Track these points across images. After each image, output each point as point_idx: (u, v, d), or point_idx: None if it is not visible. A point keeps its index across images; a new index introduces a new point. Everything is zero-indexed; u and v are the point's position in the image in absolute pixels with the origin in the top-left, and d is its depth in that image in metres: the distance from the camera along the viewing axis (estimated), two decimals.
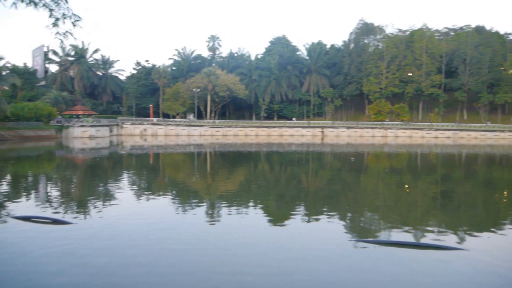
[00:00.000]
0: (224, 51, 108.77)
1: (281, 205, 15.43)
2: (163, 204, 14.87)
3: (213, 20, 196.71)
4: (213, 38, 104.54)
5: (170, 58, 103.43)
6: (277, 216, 13.44)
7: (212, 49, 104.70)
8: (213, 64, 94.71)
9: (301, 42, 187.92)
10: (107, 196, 16.39)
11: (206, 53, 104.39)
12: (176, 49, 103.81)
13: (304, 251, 9.58)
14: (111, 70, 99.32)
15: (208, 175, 24.29)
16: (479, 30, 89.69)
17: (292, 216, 13.16)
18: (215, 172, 26.19)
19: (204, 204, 15.25)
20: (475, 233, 11.24)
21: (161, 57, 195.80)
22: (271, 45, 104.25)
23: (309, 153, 42.39)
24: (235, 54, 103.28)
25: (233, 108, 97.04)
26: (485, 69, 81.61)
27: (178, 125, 74.33)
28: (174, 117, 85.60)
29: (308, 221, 12.55)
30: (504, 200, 17.43)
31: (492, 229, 11.66)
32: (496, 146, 55.47)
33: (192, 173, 25.49)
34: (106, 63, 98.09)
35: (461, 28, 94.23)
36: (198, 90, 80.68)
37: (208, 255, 9.23)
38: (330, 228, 11.68)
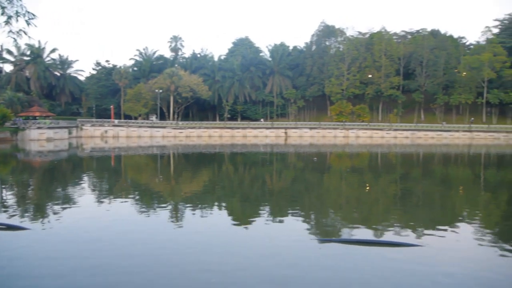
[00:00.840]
0: (187, 52, 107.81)
1: (246, 205, 15.49)
2: (125, 207, 14.59)
3: (175, 21, 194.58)
4: (176, 38, 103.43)
5: (131, 59, 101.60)
6: (242, 216, 13.49)
7: (175, 49, 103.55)
8: (176, 65, 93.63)
9: (264, 43, 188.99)
10: (66, 200, 15.93)
11: (168, 54, 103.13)
12: (138, 49, 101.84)
13: (267, 249, 9.69)
14: (69, 70, 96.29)
15: (171, 177, 24.04)
16: (435, 33, 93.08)
17: (257, 216, 13.25)
18: (179, 174, 25.95)
19: (168, 206, 15.10)
20: (432, 230, 11.69)
21: (122, 57, 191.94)
22: (234, 46, 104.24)
23: (273, 153, 42.70)
24: (198, 55, 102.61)
25: (196, 109, 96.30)
26: (440, 72, 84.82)
27: (140, 126, 73.04)
28: (136, 118, 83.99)
29: (272, 221, 12.67)
30: (459, 197, 18.21)
31: (447, 226, 12.15)
32: (451, 145, 57.78)
33: (155, 175, 25.16)
34: (64, 63, 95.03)
35: (418, 31, 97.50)
36: (161, 91, 79.61)
37: (172, 255, 9.16)
38: (294, 227, 11.83)
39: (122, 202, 15.66)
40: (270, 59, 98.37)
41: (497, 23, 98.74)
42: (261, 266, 8.64)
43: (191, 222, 12.47)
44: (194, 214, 13.53)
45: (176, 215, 13.47)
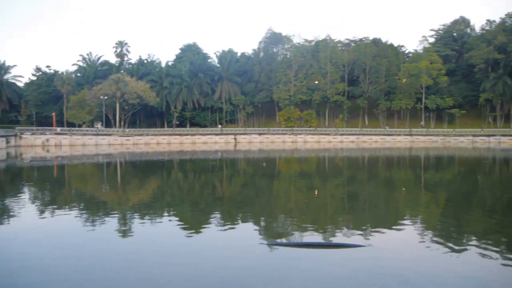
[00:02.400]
0: (133, 58, 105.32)
1: (196, 212, 15.37)
2: (69, 218, 13.96)
3: (120, 26, 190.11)
4: (121, 43, 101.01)
5: (74, 64, 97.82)
6: (192, 223, 13.36)
7: (120, 55, 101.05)
8: (122, 71, 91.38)
9: (212, 49, 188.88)
10: (3, 213, 15.05)
11: (113, 59, 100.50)
12: (81, 55, 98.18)
13: (218, 255, 9.68)
14: (7, 76, 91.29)
15: (118, 186, 23.37)
16: (376, 42, 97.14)
17: (207, 223, 13.18)
18: (126, 182, 25.29)
19: (115, 215, 14.66)
20: (377, 230, 12.15)
21: (64, 63, 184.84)
22: (182, 52, 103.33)
23: (223, 159, 42.65)
24: (145, 61, 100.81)
25: (144, 116, 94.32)
26: (382, 78, 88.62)
27: (84, 134, 70.39)
28: (80, 126, 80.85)
29: (223, 227, 12.66)
30: (402, 198, 19.05)
31: (392, 226, 12.69)
32: (393, 148, 60.33)
33: (101, 184, 24.35)
34: (1, 68, 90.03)
35: (361, 40, 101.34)
36: (106, 97, 77.29)
37: (120, 266, 8.92)
38: (244, 233, 11.88)
39: (65, 213, 14.97)
40: (218, 65, 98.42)
41: (433, 33, 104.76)
42: (212, 272, 8.60)
43: (139, 231, 12.19)
44: (142, 223, 13.24)
45: (124, 225, 13.13)
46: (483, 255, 9.51)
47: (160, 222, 13.48)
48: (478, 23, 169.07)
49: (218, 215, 14.69)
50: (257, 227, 12.73)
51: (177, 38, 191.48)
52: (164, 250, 10.22)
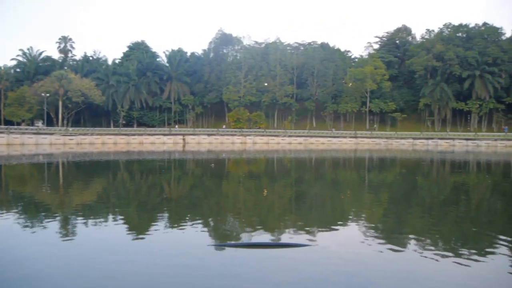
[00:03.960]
0: (78, 54, 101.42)
1: (143, 214, 15.04)
2: (6, 223, 13.20)
3: (64, 21, 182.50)
4: (65, 39, 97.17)
5: (13, 59, 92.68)
6: (138, 226, 13.07)
7: (64, 51, 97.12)
8: (65, 68, 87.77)
9: (161, 48, 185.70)
10: None
11: (57, 55, 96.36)
12: (21, 49, 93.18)
13: (165, 258, 9.54)
14: None
15: (60, 187, 22.41)
16: (324, 46, 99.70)
17: (154, 225, 12.95)
18: (69, 184, 24.29)
19: (57, 218, 14.05)
20: (323, 230, 12.49)
21: (2, 57, 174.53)
22: (130, 50, 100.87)
23: (171, 160, 42.05)
24: (91, 58, 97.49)
25: (88, 115, 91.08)
26: (330, 82, 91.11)
27: (24, 133, 66.65)
28: (19, 124, 76.69)
29: (171, 229, 12.49)
30: (347, 198, 19.66)
31: (337, 225, 13.08)
32: (340, 150, 62.11)
33: (41, 186, 23.22)
34: None
35: (309, 43, 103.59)
36: (48, 95, 73.88)
37: (61, 271, 8.57)
38: (192, 234, 11.78)
39: (1, 218, 14.16)
40: (167, 64, 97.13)
41: (377, 39, 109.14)
42: (159, 275, 8.48)
43: (82, 234, 11.75)
44: (86, 225, 12.79)
45: (66, 228, 12.62)
46: (421, 253, 10.02)
47: (105, 224, 13.09)
48: (419, 31, 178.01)
49: (166, 217, 14.48)
50: (205, 229, 12.67)
51: (125, 36, 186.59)
52: (109, 253, 9.93)
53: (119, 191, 21.41)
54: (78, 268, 8.82)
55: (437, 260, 9.40)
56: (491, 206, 17.72)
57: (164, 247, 10.51)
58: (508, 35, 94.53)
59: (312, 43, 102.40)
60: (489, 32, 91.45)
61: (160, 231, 12.09)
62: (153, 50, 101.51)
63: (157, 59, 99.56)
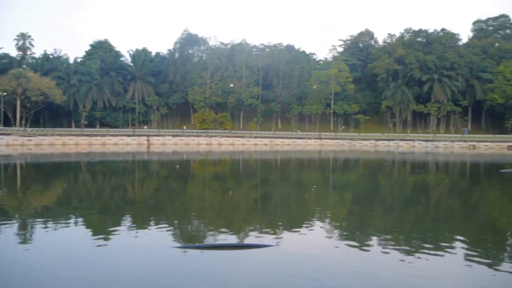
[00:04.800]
0: (37, 52, 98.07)
1: (105, 217, 14.70)
2: None
3: (23, 17, 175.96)
4: (23, 36, 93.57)
5: None
6: (101, 229, 12.77)
7: (22, 48, 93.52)
8: (24, 66, 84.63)
9: (125, 48, 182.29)
10: None
11: (15, 53, 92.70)
12: None
13: (129, 261, 9.38)
14: None
15: (18, 190, 21.58)
16: (289, 48, 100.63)
17: (117, 227, 12.69)
18: (27, 186, 23.43)
19: (14, 222, 13.52)
20: (287, 230, 12.60)
21: None
22: (92, 49, 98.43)
23: (135, 162, 41.32)
24: (51, 56, 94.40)
25: (48, 115, 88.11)
26: (295, 84, 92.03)
27: None
28: None
29: (134, 231, 12.28)
30: (312, 198, 19.92)
31: (301, 225, 13.21)
32: (304, 151, 62.86)
33: None
34: None
35: (275, 45, 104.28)
36: (5, 94, 70.95)
37: (19, 277, 8.26)
38: (156, 237, 11.62)
39: None
40: (131, 64, 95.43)
41: (341, 42, 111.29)
42: (122, 278, 8.32)
43: (42, 238, 11.36)
44: (46, 229, 12.36)
45: (24, 232, 12.17)
46: (384, 252, 10.28)
47: (66, 228, 12.71)
48: (381, 36, 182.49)
49: (129, 219, 14.20)
50: (170, 231, 12.52)
51: (87, 34, 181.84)
52: (70, 257, 9.64)
53: (80, 193, 20.84)
54: (37, 273, 8.52)
55: (401, 259, 9.67)
56: (449, 204, 18.40)
57: (127, 249, 10.33)
58: (464, 40, 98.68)
59: (277, 45, 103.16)
60: (447, 38, 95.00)
61: (123, 234, 11.86)
62: (117, 49, 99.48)
63: (121, 59, 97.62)
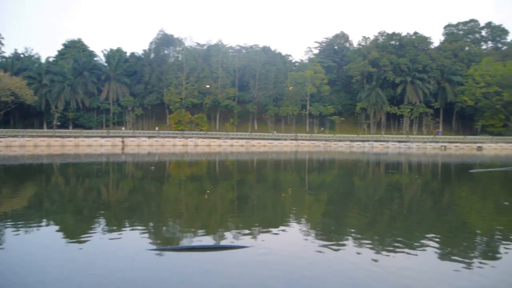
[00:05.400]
0: (7, 51, 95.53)
1: (79, 220, 14.42)
2: None
3: None
4: None
5: None
6: (74, 232, 12.52)
7: None
8: None
9: (99, 47, 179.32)
10: None
11: None
12: None
13: (103, 265, 9.25)
14: None
15: None
16: (266, 50, 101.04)
17: (91, 230, 12.48)
18: None
19: None
20: (264, 231, 12.63)
21: None
22: (65, 48, 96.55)
23: (109, 163, 40.67)
24: (22, 55, 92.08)
25: (19, 116, 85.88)
26: (271, 85, 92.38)
27: None
28: None
29: (109, 234, 12.10)
30: (289, 199, 20.03)
31: (278, 226, 13.27)
32: (280, 152, 63.14)
33: None
34: None
35: (251, 47, 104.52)
36: None
37: None
38: (131, 240, 11.49)
39: None
40: (106, 64, 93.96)
41: (317, 44, 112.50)
42: (97, 283, 8.19)
43: (12, 242, 11.07)
44: (16, 233, 12.05)
45: None
46: (358, 253, 10.43)
47: (37, 231, 12.40)
48: (356, 38, 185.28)
49: (103, 222, 13.98)
50: (145, 233, 12.39)
51: (60, 33, 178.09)
52: (42, 261, 9.43)
53: (52, 196, 20.38)
54: (5, 279, 8.30)
55: (374, 259, 9.83)
56: (421, 204, 18.80)
57: (100, 253, 10.18)
58: (436, 44, 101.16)
59: (254, 46, 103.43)
60: (419, 41, 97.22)
61: (97, 237, 11.67)
62: (91, 49, 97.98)
63: (95, 59, 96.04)
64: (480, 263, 9.62)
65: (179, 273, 8.76)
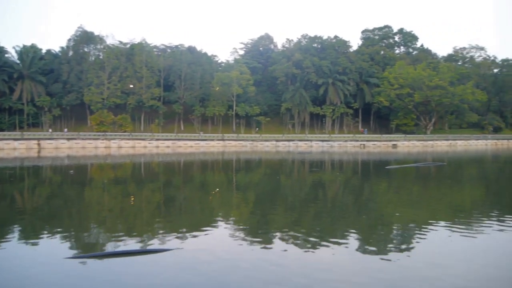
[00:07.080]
0: None
1: None
2: None
3: None
4: None
5: None
6: None
7: None
8: None
9: (10, 44, 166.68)
10: None
11: None
12: None
13: (17, 275, 8.62)
14: None
15: None
16: (191, 50, 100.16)
17: (3, 240, 11.55)
18: None
19: None
20: (191, 233, 12.49)
21: None
22: None
23: (24, 168, 37.94)
24: None
25: None
26: (197, 85, 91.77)
27: None
28: None
29: (23, 243, 11.29)
30: (216, 200, 20.02)
31: (205, 227, 13.21)
32: (207, 153, 62.91)
33: None
34: None
35: (176, 46, 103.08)
36: None
37: None
38: (49, 248, 10.82)
39: None
40: (18, 61, 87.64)
41: (243, 45, 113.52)
42: None
43: None
44: None
45: None
46: (284, 249, 10.69)
47: None
48: (280, 40, 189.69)
49: (17, 230, 13.01)
50: (64, 241, 11.71)
51: None
52: None
53: None
54: None
55: (301, 258, 10.14)
56: (343, 200, 19.71)
57: (14, 264, 9.45)
58: (355, 47, 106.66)
59: (179, 46, 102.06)
60: (339, 44, 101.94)
61: (10, 247, 10.83)
62: (1, 45, 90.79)
63: (6, 55, 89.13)
64: (397, 254, 10.30)
65: (101, 281, 8.40)
